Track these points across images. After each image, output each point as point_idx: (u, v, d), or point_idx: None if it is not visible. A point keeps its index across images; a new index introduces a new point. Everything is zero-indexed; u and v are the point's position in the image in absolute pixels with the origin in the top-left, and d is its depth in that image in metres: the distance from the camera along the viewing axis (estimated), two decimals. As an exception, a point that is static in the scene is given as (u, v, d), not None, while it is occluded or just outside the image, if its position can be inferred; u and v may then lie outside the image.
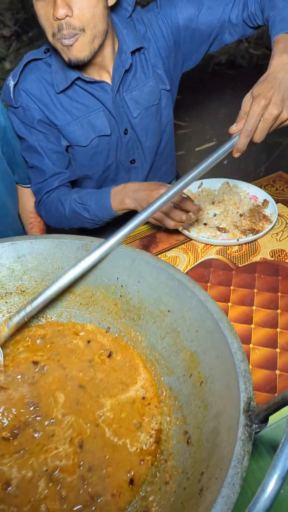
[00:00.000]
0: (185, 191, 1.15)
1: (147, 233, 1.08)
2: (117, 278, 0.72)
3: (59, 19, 0.90)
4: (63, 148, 1.12)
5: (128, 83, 1.10)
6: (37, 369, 0.70)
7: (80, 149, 1.12)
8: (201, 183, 1.18)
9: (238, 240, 0.99)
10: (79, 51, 0.95)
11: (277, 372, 0.74)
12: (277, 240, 1.02)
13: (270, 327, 0.81)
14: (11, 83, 1.05)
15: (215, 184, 1.18)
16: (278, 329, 0.81)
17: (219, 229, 1.02)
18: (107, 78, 1.08)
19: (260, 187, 1.18)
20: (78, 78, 1.04)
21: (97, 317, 0.75)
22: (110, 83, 1.07)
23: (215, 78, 3.46)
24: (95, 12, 0.93)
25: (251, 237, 0.99)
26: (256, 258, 0.97)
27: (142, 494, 0.56)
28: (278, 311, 0.84)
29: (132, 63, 1.08)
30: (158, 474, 0.58)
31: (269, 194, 1.13)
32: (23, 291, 0.75)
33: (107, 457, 0.60)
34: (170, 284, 0.66)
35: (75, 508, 0.55)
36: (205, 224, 1.04)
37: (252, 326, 0.82)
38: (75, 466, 0.59)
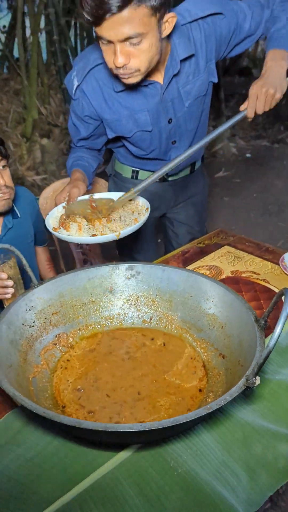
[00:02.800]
0: None
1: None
2: (153, 284, 1.16)
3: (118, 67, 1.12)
4: (98, 137, 1.45)
5: (184, 79, 1.32)
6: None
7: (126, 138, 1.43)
8: None
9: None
10: (133, 81, 1.18)
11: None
12: (232, 265, 1.52)
13: (244, 310, 1.28)
14: (75, 83, 1.31)
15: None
16: (249, 310, 1.28)
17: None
18: (159, 78, 1.29)
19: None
20: None
21: (142, 312, 1.16)
22: (161, 82, 1.29)
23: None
24: (151, 56, 1.12)
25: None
26: (222, 276, 1.46)
27: (206, 393, 0.96)
28: (246, 302, 1.32)
29: (180, 68, 1.29)
30: (209, 380, 0.98)
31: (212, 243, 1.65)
32: (93, 301, 1.15)
33: (178, 383, 0.99)
34: (190, 279, 1.11)
35: (180, 399, 0.94)
36: None
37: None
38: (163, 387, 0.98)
